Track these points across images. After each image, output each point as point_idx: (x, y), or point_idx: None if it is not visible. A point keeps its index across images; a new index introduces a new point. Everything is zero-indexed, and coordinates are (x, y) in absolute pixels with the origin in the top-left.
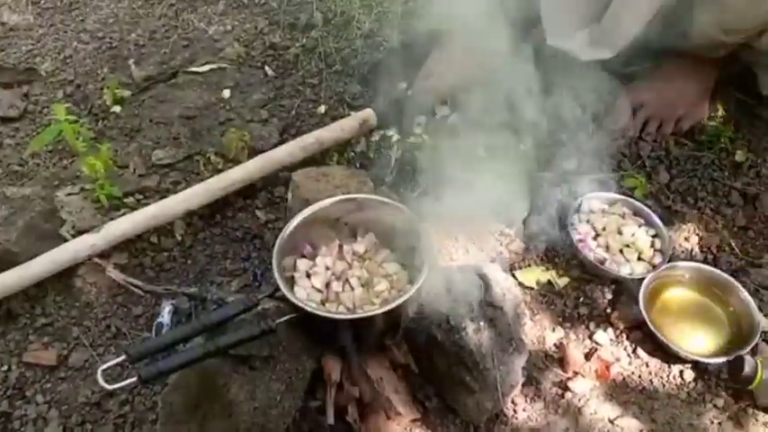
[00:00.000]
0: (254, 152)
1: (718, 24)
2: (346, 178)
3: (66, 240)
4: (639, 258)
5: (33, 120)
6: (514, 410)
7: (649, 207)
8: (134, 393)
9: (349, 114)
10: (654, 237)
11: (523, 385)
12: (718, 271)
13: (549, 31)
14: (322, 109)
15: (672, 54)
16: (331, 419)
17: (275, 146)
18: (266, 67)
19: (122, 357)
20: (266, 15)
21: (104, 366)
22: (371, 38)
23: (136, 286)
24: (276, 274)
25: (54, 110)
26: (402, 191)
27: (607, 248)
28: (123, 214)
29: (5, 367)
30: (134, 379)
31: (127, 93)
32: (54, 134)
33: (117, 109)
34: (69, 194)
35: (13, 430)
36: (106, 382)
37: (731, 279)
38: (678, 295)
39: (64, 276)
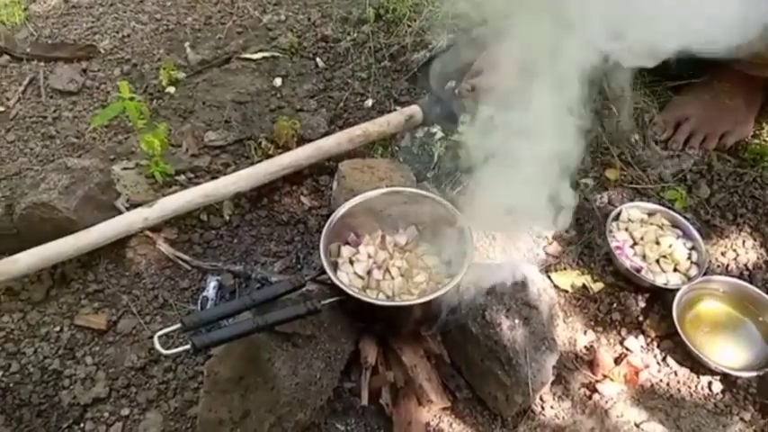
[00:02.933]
0: (302, 140)
1: None
2: (390, 171)
3: (120, 212)
4: (675, 270)
5: (91, 95)
6: (542, 407)
7: (688, 220)
8: (177, 362)
9: (395, 109)
10: (691, 249)
11: (553, 384)
12: (754, 287)
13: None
14: (369, 102)
15: (721, 70)
16: (365, 401)
17: (323, 135)
18: (317, 59)
19: (177, 326)
20: (319, 8)
21: (160, 333)
22: (421, 36)
23: (184, 261)
24: (323, 258)
25: (118, 87)
26: (443, 187)
27: (644, 257)
28: (175, 191)
29: (58, 328)
30: (188, 346)
31: (182, 75)
32: (118, 111)
33: (171, 90)
34: (125, 169)
35: (63, 387)
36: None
37: (766, 296)
38: (711, 308)
39: (116, 246)
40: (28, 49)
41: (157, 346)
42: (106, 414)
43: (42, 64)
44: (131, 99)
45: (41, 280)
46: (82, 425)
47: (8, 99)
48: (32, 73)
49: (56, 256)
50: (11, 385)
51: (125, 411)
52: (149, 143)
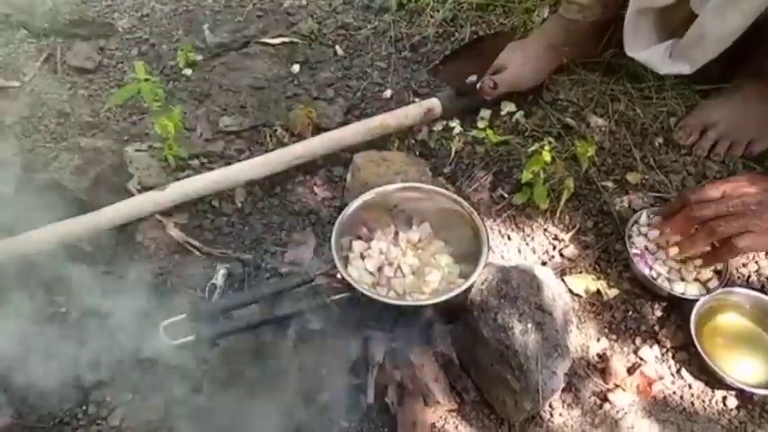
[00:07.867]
0: (317, 129)
1: None
2: (406, 165)
3: (132, 195)
4: (695, 279)
5: (107, 74)
6: (551, 414)
7: None
8: (182, 349)
9: (414, 101)
10: None
11: (563, 391)
12: None
13: (629, 43)
14: (388, 93)
15: (751, 73)
16: (371, 399)
17: (339, 125)
18: (337, 46)
19: (183, 316)
20: None
21: (166, 323)
22: (444, 27)
23: (193, 246)
24: (334, 253)
25: (134, 67)
26: (460, 183)
27: (663, 264)
28: (187, 176)
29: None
30: (192, 337)
31: (199, 57)
32: (133, 91)
33: (188, 72)
34: (138, 150)
35: None
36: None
37: None
38: (730, 321)
39: (126, 229)
40: (46, 25)
41: (163, 335)
42: (108, 398)
43: (60, 40)
44: (147, 80)
45: None
46: (84, 407)
47: (24, 74)
48: (49, 49)
49: (65, 236)
50: None
51: (128, 396)
52: (163, 126)
